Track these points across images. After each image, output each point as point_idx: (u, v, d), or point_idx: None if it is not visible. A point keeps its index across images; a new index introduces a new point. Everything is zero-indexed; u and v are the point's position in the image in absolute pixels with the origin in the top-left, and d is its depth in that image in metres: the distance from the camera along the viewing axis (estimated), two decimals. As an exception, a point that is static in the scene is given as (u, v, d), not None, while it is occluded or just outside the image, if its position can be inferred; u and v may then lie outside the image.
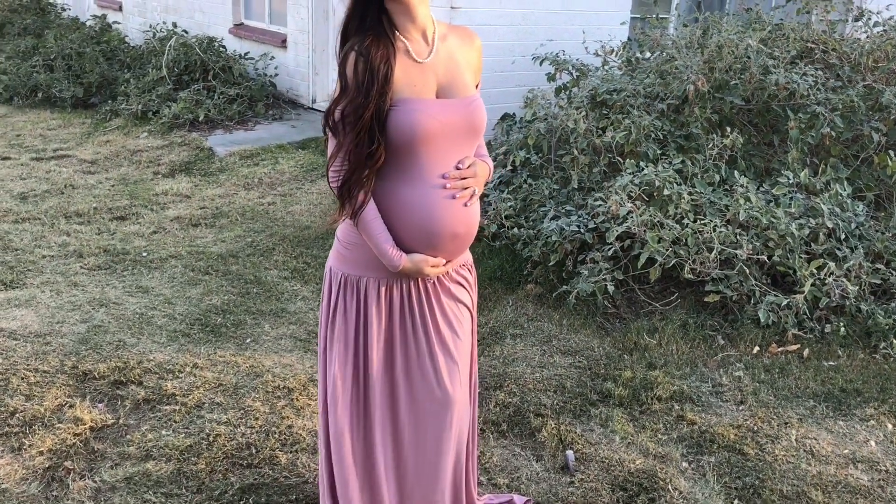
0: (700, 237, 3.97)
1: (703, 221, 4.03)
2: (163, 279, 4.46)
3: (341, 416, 2.23)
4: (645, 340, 3.88)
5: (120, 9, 11.89)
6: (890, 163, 4.46)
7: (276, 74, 8.67)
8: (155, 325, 3.93)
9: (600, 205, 4.20)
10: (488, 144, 5.90)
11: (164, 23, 9.70)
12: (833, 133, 4.58)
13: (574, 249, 4.27)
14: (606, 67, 5.85)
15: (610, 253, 4.09)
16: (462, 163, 2.12)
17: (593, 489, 2.86)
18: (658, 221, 4.01)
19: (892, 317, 3.91)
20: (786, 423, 3.29)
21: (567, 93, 5.73)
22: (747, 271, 3.97)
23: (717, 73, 4.92)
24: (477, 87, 2.22)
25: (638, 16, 7.57)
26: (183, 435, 3.06)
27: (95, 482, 2.81)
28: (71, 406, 3.20)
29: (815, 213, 4.15)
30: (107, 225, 5.28)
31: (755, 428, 3.25)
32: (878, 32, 5.51)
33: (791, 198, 4.24)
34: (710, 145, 4.51)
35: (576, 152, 4.74)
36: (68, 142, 7.36)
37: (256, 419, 3.16)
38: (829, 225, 4.05)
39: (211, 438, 3.03)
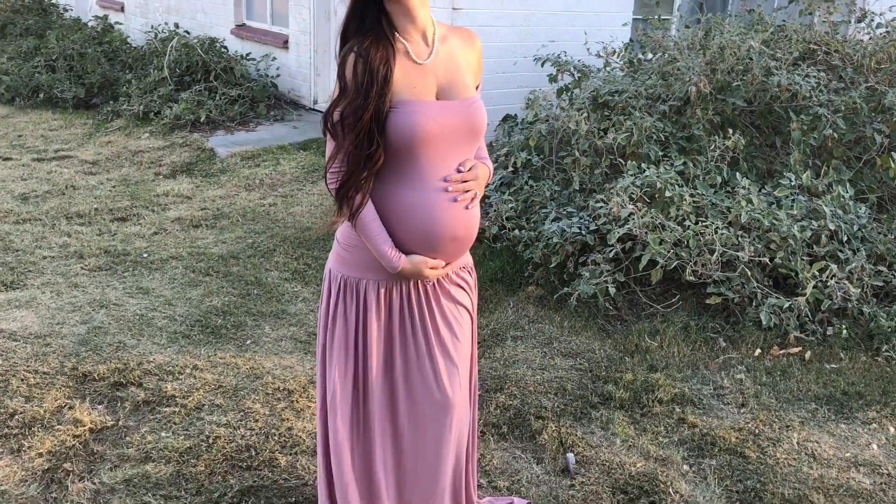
0: (702, 239, 3.95)
1: (704, 223, 4.02)
2: (163, 280, 4.46)
3: (341, 422, 2.23)
4: (646, 343, 3.87)
5: (122, 9, 11.90)
6: (892, 165, 4.45)
7: (278, 75, 8.67)
8: (155, 326, 3.92)
9: (602, 206, 4.19)
10: (490, 146, 5.89)
11: (166, 23, 9.71)
12: (835, 135, 4.56)
13: (575, 251, 4.26)
14: (608, 69, 5.84)
15: (611, 255, 4.08)
16: (463, 165, 2.11)
17: (594, 492, 2.85)
18: (659, 223, 4.00)
19: (894, 319, 3.89)
20: (787, 426, 3.28)
21: (569, 94, 5.72)
22: (749, 273, 3.96)
23: (719, 74, 4.91)
24: (477, 88, 2.21)
25: (640, 17, 7.55)
26: (182, 437, 3.05)
27: (94, 484, 2.80)
28: (70, 408, 3.20)
29: (818, 215, 4.14)
30: (108, 226, 5.28)
31: (757, 431, 3.24)
32: (880, 34, 5.50)
33: (793, 200, 4.23)
34: (712, 147, 4.50)
35: (577, 154, 4.73)
36: (70, 142, 7.36)
37: (256, 421, 3.16)
38: (832, 227, 4.03)
39: (210, 440, 3.02)
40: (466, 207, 2.12)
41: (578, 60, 5.99)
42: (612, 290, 3.98)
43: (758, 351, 3.83)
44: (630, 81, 5.28)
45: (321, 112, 7.93)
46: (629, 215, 4.02)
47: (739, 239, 3.96)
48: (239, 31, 9.30)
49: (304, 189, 6.05)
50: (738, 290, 3.98)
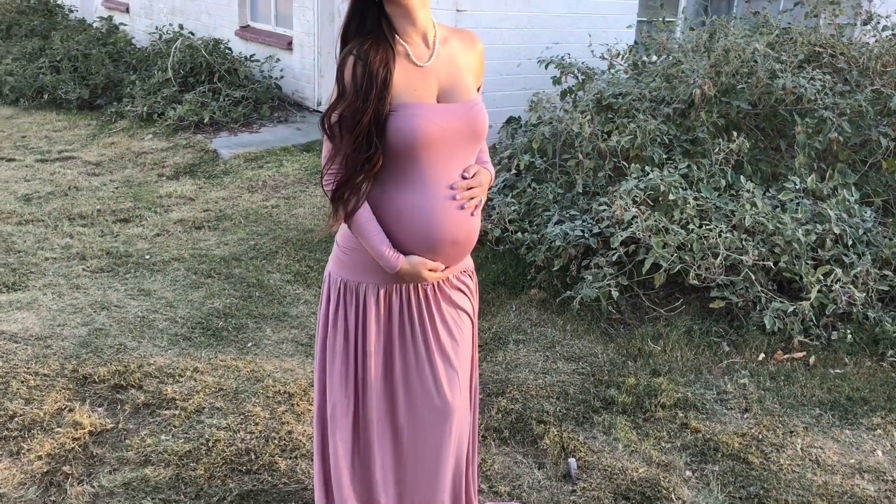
0: (705, 243, 3.93)
1: (708, 227, 3.99)
2: (165, 282, 4.45)
3: (340, 435, 2.22)
4: (649, 347, 3.85)
5: (127, 10, 11.91)
6: (898, 168, 4.42)
7: (282, 77, 8.67)
8: (156, 328, 3.91)
9: (605, 209, 4.17)
10: (493, 148, 5.87)
11: (171, 25, 9.72)
12: (841, 138, 4.54)
13: (578, 254, 4.24)
14: (612, 71, 5.82)
15: (614, 258, 4.06)
16: (467, 171, 2.09)
17: (595, 498, 2.83)
18: (663, 226, 3.98)
19: (899, 324, 3.86)
20: (791, 432, 3.25)
21: (572, 96, 5.70)
22: (753, 277, 3.93)
23: (724, 77, 4.89)
24: (479, 90, 2.19)
25: (644, 19, 7.53)
26: (182, 440, 3.03)
27: (94, 487, 2.79)
28: (70, 410, 3.19)
29: (822, 218, 4.11)
30: (110, 227, 5.27)
31: (760, 436, 3.21)
32: (886, 36, 5.47)
33: (798, 203, 4.20)
34: (717, 150, 4.47)
35: (581, 156, 4.71)
36: (73, 143, 7.36)
37: (256, 424, 3.14)
38: (836, 231, 4.00)
39: (210, 444, 3.01)
40: (472, 214, 2.11)
41: (582, 63, 5.98)
42: (615, 294, 3.95)
43: (761, 355, 3.81)
44: (634, 84, 5.26)
45: (324, 114, 7.96)
46: (632, 218, 4.00)
47: (743, 242, 3.94)
48: (243, 33, 9.30)
49: (307, 191, 6.04)
50: (742, 294, 3.96)
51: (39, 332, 3.81)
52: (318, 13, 8.07)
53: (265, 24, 9.29)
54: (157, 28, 9.76)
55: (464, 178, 2.08)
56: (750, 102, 4.87)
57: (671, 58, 5.36)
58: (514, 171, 5.10)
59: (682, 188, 4.17)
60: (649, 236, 3.93)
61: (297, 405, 3.28)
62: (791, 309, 3.84)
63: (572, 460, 3.00)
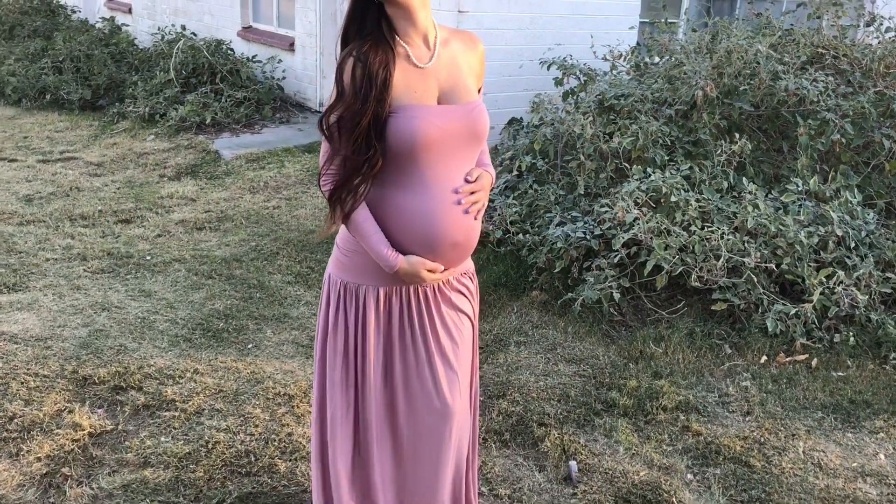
0: (707, 244, 3.92)
1: (710, 229, 3.98)
2: (166, 283, 4.44)
3: (342, 434, 2.21)
4: (651, 349, 3.84)
5: (129, 11, 11.92)
6: (901, 170, 4.40)
7: (284, 78, 8.66)
8: (157, 329, 3.90)
9: (607, 211, 4.16)
10: (494, 149, 5.86)
11: (173, 25, 9.72)
12: (843, 140, 4.52)
13: (580, 256, 4.22)
14: (614, 72, 5.80)
15: (616, 260, 4.05)
16: (470, 175, 2.09)
17: (596, 501, 2.82)
18: (665, 228, 3.96)
19: (902, 327, 3.85)
20: (793, 435, 3.24)
21: (574, 97, 5.69)
22: (755, 279, 3.92)
23: (726, 78, 4.87)
24: (480, 91, 2.18)
25: (647, 20, 7.52)
26: (182, 442, 3.03)
27: (93, 489, 2.78)
28: (70, 411, 3.18)
29: (825, 220, 4.10)
30: (111, 228, 5.27)
31: (762, 439, 3.20)
32: (889, 38, 5.45)
33: (800, 205, 4.19)
34: (719, 151, 4.46)
35: (582, 158, 4.70)
36: (75, 144, 7.36)
37: (256, 426, 3.13)
38: (839, 233, 3.99)
39: (210, 446, 3.00)
40: (475, 218, 2.10)
41: (584, 64, 5.96)
42: (616, 296, 3.94)
43: (763, 358, 3.79)
44: (636, 85, 5.25)
45: (326, 115, 7.97)
46: (634, 220, 3.99)
47: (745, 245, 3.92)
48: (245, 34, 9.30)
49: (309, 192, 6.04)
50: (744, 297, 3.94)
51: (40, 332, 3.80)
52: (321, 14, 8.06)
53: (267, 24, 9.29)
54: (159, 29, 9.76)
55: (467, 181, 2.07)
56: (752, 104, 4.85)
57: (673, 59, 5.35)
58: (515, 173, 5.09)
59: (684, 190, 4.16)
60: (651, 238, 3.92)
61: (297, 407, 3.27)
62: (793, 311, 3.83)
63: (573, 463, 2.99)
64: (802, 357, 3.79)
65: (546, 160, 5.06)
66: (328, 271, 2.25)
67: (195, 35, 9.09)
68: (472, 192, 2.08)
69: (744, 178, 4.34)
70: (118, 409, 3.24)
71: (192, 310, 4.12)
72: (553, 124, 5.11)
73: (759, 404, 3.44)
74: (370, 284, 2.14)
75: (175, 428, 3.11)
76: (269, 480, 2.84)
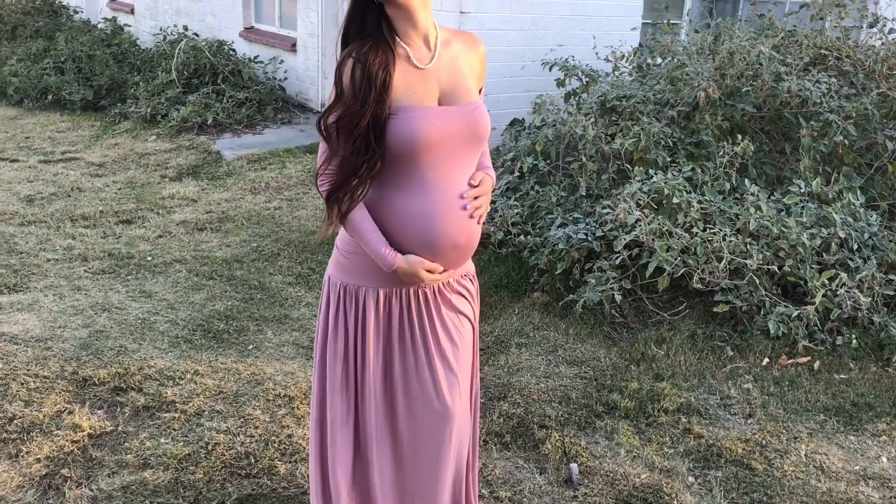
0: (709, 246, 3.91)
1: (712, 230, 3.97)
2: (167, 284, 4.43)
3: (341, 438, 2.20)
4: (652, 351, 3.82)
5: (132, 12, 11.93)
6: (904, 172, 4.39)
7: (286, 78, 8.66)
8: (157, 330, 3.90)
9: (608, 213, 4.15)
10: (496, 150, 5.85)
11: (175, 26, 9.72)
12: (846, 141, 4.51)
13: (581, 258, 4.21)
14: (616, 73, 5.79)
15: (618, 262, 4.03)
16: (473, 179, 2.08)
17: (597, 503, 2.81)
18: (667, 230, 3.95)
19: (905, 329, 3.83)
20: (795, 438, 3.22)
21: (576, 99, 5.68)
22: (757, 281, 3.90)
23: (729, 79, 4.86)
24: (480, 92, 2.17)
25: (649, 21, 7.51)
26: (181, 443, 3.02)
27: (92, 491, 2.77)
28: (70, 412, 3.17)
29: (827, 222, 4.08)
30: (112, 228, 5.27)
31: (764, 442, 3.18)
32: (893, 39, 5.43)
33: (803, 207, 4.17)
34: (721, 153, 4.45)
35: (584, 159, 4.69)
36: (77, 144, 7.36)
37: (256, 428, 3.12)
38: (842, 235, 3.98)
39: (210, 447, 2.99)
40: (478, 222, 2.10)
41: (587, 65, 5.95)
42: (618, 298, 3.93)
43: (766, 360, 3.78)
44: (638, 86, 5.24)
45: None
46: (636, 222, 3.97)
47: (748, 246, 3.91)
48: (247, 34, 9.30)
49: (310, 193, 6.03)
50: (746, 299, 3.93)
51: (40, 333, 3.79)
52: (322, 15, 8.06)
53: (269, 25, 9.29)
54: (161, 29, 9.76)
55: (471, 185, 2.07)
56: (755, 105, 4.84)
57: (676, 60, 5.34)
58: (517, 174, 5.08)
59: (686, 191, 4.15)
60: (653, 240, 3.91)
61: (298, 408, 3.26)
62: (795, 313, 3.81)
63: (574, 465, 2.97)
64: (805, 359, 3.77)
65: (548, 161, 5.05)
66: (328, 273, 2.24)
67: (197, 35, 9.09)
68: (476, 197, 2.08)
69: (746, 180, 4.33)
70: (118, 410, 3.23)
71: (193, 311, 4.12)
72: (555, 125, 5.10)
73: (761, 407, 3.43)
74: (370, 286, 2.13)
75: (175, 429, 3.11)
76: (268, 482, 2.83)
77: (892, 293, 3.95)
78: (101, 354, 3.63)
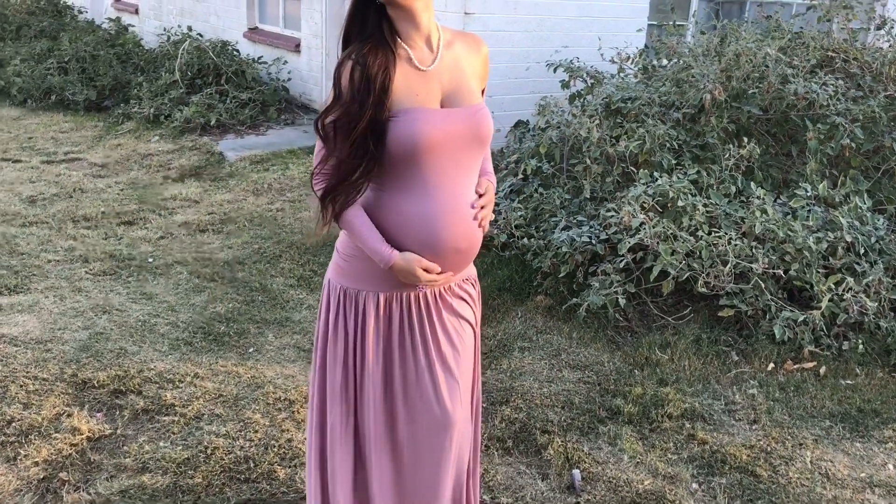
0: (715, 250, 3.87)
1: (717, 234, 3.93)
2: (168, 286, 4.41)
3: (341, 444, 2.17)
4: (656, 355, 3.79)
5: (136, 12, 11.92)
6: (911, 175, 4.35)
7: (289, 79, 8.64)
8: (157, 332, 3.87)
9: (613, 215, 4.11)
10: (500, 152, 5.82)
11: (179, 26, 9.71)
12: (853, 144, 4.47)
13: (585, 261, 4.18)
14: (622, 75, 5.76)
15: (622, 265, 4.00)
16: (480, 186, 2.08)
17: (600, 511, 2.77)
18: (672, 233, 3.92)
19: (912, 334, 3.79)
20: (801, 444, 3.19)
21: (581, 100, 5.64)
22: (763, 286, 3.87)
23: (735, 81, 4.82)
24: (483, 93, 2.14)
25: (655, 23, 7.47)
26: (181, 447, 2.99)
27: (90, 494, 2.75)
28: (69, 415, 3.15)
29: (834, 226, 4.04)
30: (114, 230, 5.25)
31: (769, 448, 3.15)
32: (900, 41, 5.40)
33: (809, 210, 4.14)
34: (727, 156, 4.41)
35: (588, 161, 4.65)
36: (79, 145, 7.35)
37: (256, 432, 3.10)
38: (848, 239, 3.94)
39: (209, 451, 2.97)
40: (480, 226, 2.07)
41: (592, 66, 5.92)
42: (622, 302, 3.90)
43: (771, 365, 3.74)
44: (643, 88, 5.20)
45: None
46: (640, 225, 3.94)
47: (753, 250, 3.87)
48: (251, 35, 9.28)
49: (312, 194, 5.99)
50: (752, 303, 3.89)
51: (40, 335, 3.77)
52: (326, 15, 8.04)
53: (273, 25, 9.27)
54: (165, 30, 9.75)
55: (479, 194, 2.06)
56: (761, 108, 4.80)
57: (681, 62, 5.30)
58: (520, 176, 5.05)
59: (691, 194, 4.11)
60: (657, 243, 3.88)
61: (298, 412, 3.23)
62: (801, 318, 3.78)
63: (576, 471, 2.94)
64: (810, 365, 3.74)
65: (552, 164, 5.02)
66: (328, 276, 2.21)
67: (201, 36, 9.07)
68: (482, 206, 2.08)
69: (752, 183, 4.29)
70: (117, 413, 3.21)
71: (194, 313, 4.09)
72: (559, 127, 5.07)
73: (766, 412, 3.39)
74: (370, 290, 2.10)
75: (174, 433, 3.08)
76: (267, 487, 2.81)
77: (899, 298, 3.91)
78: (100, 357, 3.60)
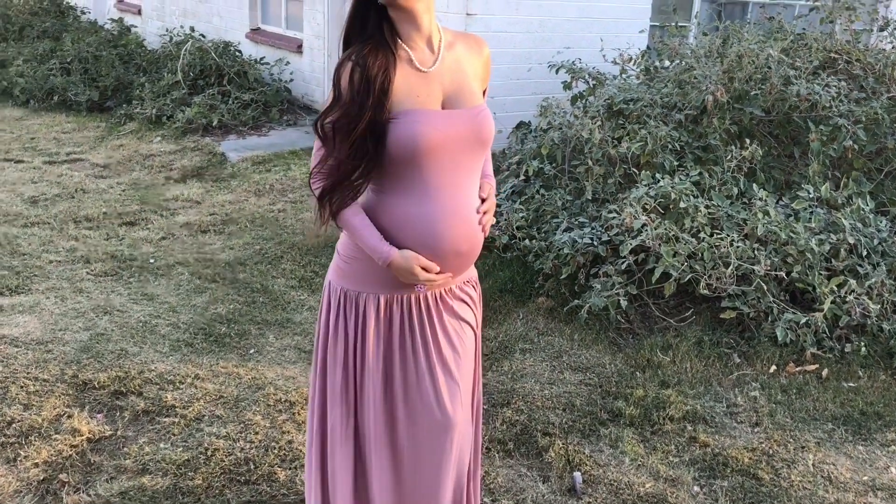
0: (717, 252, 3.86)
1: (719, 236, 3.92)
2: (169, 286, 4.41)
3: (341, 448, 2.16)
4: (658, 357, 3.78)
5: (139, 13, 11.93)
6: (914, 177, 4.33)
7: (292, 80, 8.64)
8: (158, 333, 3.87)
9: (614, 217, 4.10)
10: (502, 153, 5.81)
11: (182, 27, 9.72)
12: (856, 146, 4.46)
13: (587, 262, 4.17)
14: (624, 76, 5.75)
15: (623, 267, 3.99)
16: (483, 191, 2.08)
17: (601, 514, 2.76)
18: (673, 235, 3.91)
19: (915, 337, 3.78)
20: (803, 447, 3.18)
21: (583, 101, 5.63)
22: (765, 287, 3.86)
23: (737, 83, 4.81)
24: (484, 94, 2.14)
25: (657, 24, 7.46)
26: (181, 448, 2.99)
27: (90, 496, 2.74)
28: (69, 416, 3.14)
29: (836, 228, 4.03)
30: (115, 230, 5.24)
31: (771, 451, 3.14)
32: (903, 43, 5.38)
33: (811, 212, 4.12)
34: (729, 157, 4.40)
35: (590, 163, 4.65)
36: (82, 145, 7.35)
37: (256, 433, 3.09)
38: (851, 241, 3.93)
39: (209, 453, 2.96)
40: (483, 231, 2.07)
41: (594, 67, 5.91)
42: (623, 303, 3.89)
43: (773, 368, 3.73)
44: (645, 89, 5.20)
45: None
46: (642, 226, 3.93)
47: (755, 252, 3.86)
48: (254, 35, 9.28)
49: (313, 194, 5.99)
50: (754, 305, 3.88)
51: (41, 336, 3.77)
52: (329, 16, 8.03)
53: (276, 26, 9.27)
54: (167, 30, 9.76)
55: (482, 199, 2.07)
56: (763, 109, 4.79)
57: (684, 63, 5.29)
58: (522, 177, 5.04)
59: (693, 196, 4.10)
60: (659, 245, 3.87)
61: (298, 414, 3.23)
62: (804, 320, 3.76)
63: (577, 474, 2.93)
64: (813, 367, 3.72)
65: (553, 165, 5.01)
66: (328, 278, 2.20)
67: (203, 37, 9.08)
68: (485, 212, 2.09)
69: (754, 185, 4.28)
70: (118, 414, 3.20)
71: (195, 314, 4.09)
72: (561, 128, 5.06)
73: (768, 415, 3.38)
74: (370, 292, 2.10)
75: (174, 434, 3.07)
76: (268, 489, 2.80)
77: (901, 300, 3.90)
78: (101, 358, 3.60)
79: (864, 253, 3.96)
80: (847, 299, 3.77)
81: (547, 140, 5.01)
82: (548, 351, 3.85)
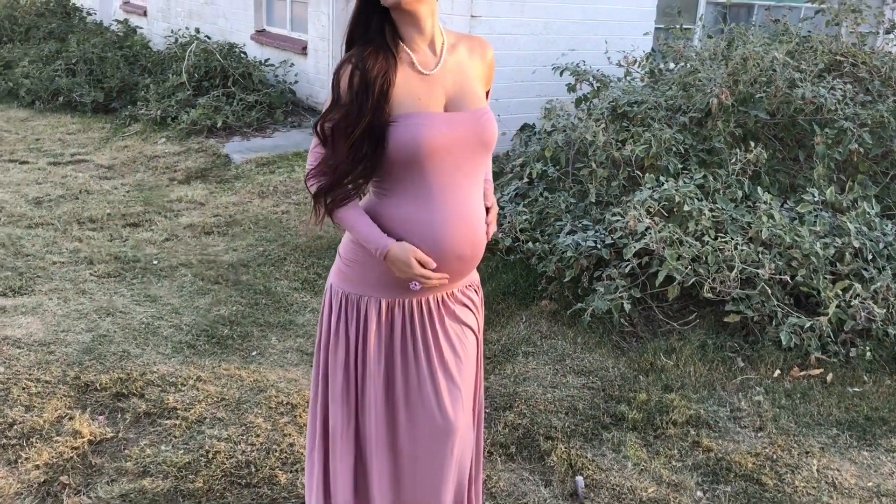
0: (721, 255, 3.84)
1: (724, 239, 3.90)
2: (172, 288, 4.40)
3: (342, 451, 2.15)
4: (661, 361, 3.76)
5: (144, 14, 11.95)
6: (920, 181, 4.31)
7: (296, 81, 8.64)
8: (161, 335, 3.86)
9: (618, 220, 4.09)
10: (506, 155, 5.80)
11: (187, 28, 9.72)
12: (861, 149, 4.43)
13: (590, 265, 4.16)
14: (628, 78, 5.74)
15: (627, 270, 3.97)
16: (487, 199, 2.09)
17: (603, 518, 2.75)
18: (677, 238, 3.89)
19: (920, 341, 3.76)
20: (807, 452, 3.16)
21: (587, 104, 5.62)
22: (769, 291, 3.84)
23: (742, 85, 4.80)
24: (487, 95, 2.13)
25: (661, 26, 7.44)
26: (182, 451, 2.98)
27: (90, 498, 2.73)
28: (70, 418, 3.14)
29: (842, 231, 4.01)
30: (119, 231, 5.25)
31: (774, 456, 3.12)
32: (909, 46, 5.36)
33: (816, 216, 4.10)
34: (733, 160, 4.38)
35: (594, 165, 4.63)
36: (86, 146, 7.36)
37: (258, 436, 3.08)
38: (856, 244, 3.90)
39: (210, 455, 2.95)
40: (487, 237, 2.08)
41: (598, 70, 5.90)
42: (627, 307, 3.87)
43: (777, 372, 3.71)
44: (650, 92, 5.18)
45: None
46: (646, 229, 3.92)
47: (760, 255, 3.84)
48: (258, 37, 9.29)
49: (318, 197, 5.99)
50: (758, 309, 3.86)
51: (43, 337, 3.77)
52: (333, 18, 8.04)
53: (280, 28, 9.28)
54: (173, 32, 9.77)
55: (487, 208, 2.08)
56: (768, 112, 4.77)
57: (688, 66, 5.28)
58: (526, 180, 5.03)
59: (697, 199, 4.08)
60: (663, 248, 3.85)
61: (300, 417, 3.22)
62: (808, 324, 3.74)
63: (580, 478, 2.92)
64: (817, 371, 3.70)
65: (557, 167, 5.00)
66: (329, 281, 2.20)
67: (209, 38, 9.08)
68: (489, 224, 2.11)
69: (759, 188, 4.26)
70: (119, 416, 3.20)
71: (197, 316, 4.08)
72: (565, 131, 5.05)
73: (772, 420, 3.36)
74: (372, 296, 2.09)
75: (176, 436, 3.07)
76: (268, 492, 2.79)
77: (907, 304, 3.88)
78: (103, 359, 3.60)
79: (870, 257, 3.94)
80: (852, 303, 3.75)
81: (551, 142, 4.99)
82: (550, 354, 3.83)
